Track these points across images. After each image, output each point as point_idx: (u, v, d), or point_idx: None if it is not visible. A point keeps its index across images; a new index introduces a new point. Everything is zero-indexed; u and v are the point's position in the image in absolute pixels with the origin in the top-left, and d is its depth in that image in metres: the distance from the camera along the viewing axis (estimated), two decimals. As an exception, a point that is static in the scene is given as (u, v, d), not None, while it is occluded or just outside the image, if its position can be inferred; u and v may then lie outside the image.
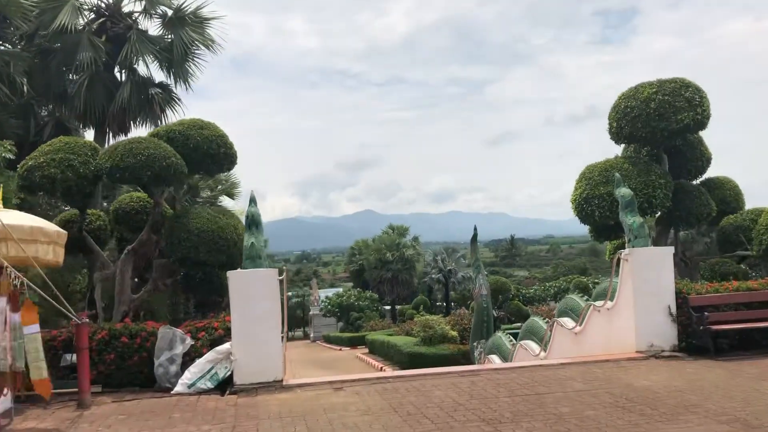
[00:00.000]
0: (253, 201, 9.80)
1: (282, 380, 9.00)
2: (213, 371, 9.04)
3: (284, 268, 10.30)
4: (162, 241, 10.98)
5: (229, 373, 9.02)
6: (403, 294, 59.27)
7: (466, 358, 20.42)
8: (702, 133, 15.28)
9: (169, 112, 19.92)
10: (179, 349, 9.24)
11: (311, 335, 58.95)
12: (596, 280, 49.45)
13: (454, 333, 25.94)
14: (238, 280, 9.04)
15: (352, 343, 40.32)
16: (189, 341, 9.31)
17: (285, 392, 8.60)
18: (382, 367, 26.43)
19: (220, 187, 25.89)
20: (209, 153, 11.42)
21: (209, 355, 9.06)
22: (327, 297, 56.83)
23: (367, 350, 33.54)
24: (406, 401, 7.63)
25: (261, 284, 9.06)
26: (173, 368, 9.17)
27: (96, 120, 19.25)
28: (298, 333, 71.05)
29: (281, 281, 9.37)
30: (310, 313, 60.42)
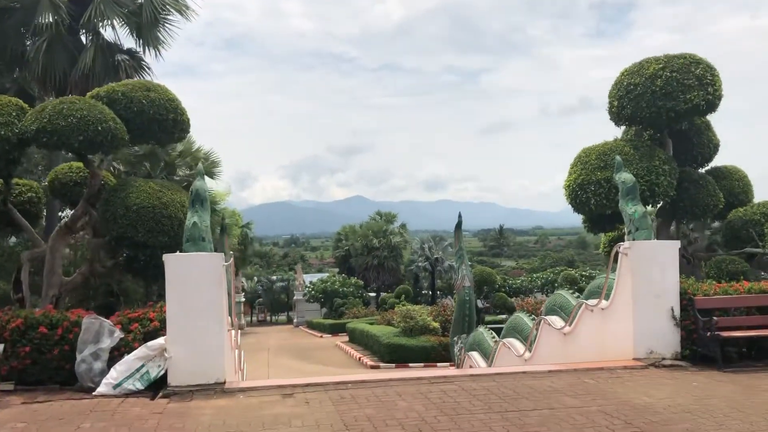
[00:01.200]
0: (200, 174, 8.49)
1: (224, 382, 7.70)
2: (144, 370, 7.71)
3: (231, 253, 8.97)
4: (96, 218, 9.60)
5: (162, 372, 7.71)
6: (388, 281, 58.22)
7: (448, 351, 19.29)
8: (710, 117, 13.94)
9: (137, 80, 18.38)
10: (106, 343, 7.90)
11: (294, 320, 58.10)
12: (584, 273, 48.53)
13: (436, 324, 24.91)
14: (175, 264, 7.71)
15: (334, 330, 39.52)
16: (118, 334, 7.97)
17: (225, 398, 7.30)
18: (360, 358, 25.40)
19: (199, 165, 24.48)
20: (156, 118, 9.98)
21: (139, 352, 7.73)
22: (311, 282, 55.71)
23: (347, 338, 32.61)
24: (362, 415, 6.35)
25: (202, 270, 7.74)
26: (98, 365, 7.83)
27: (57, 86, 17.68)
28: (282, 318, 70.25)
29: (227, 268, 8.07)
30: (295, 298, 59.45)
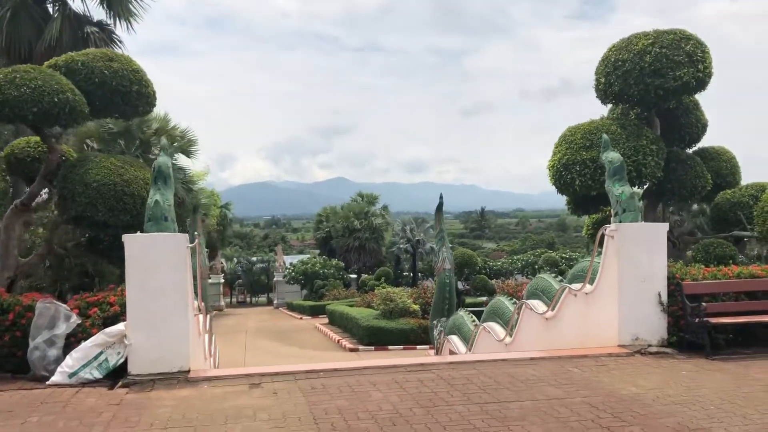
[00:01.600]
0: (164, 150, 7.94)
1: (188, 371, 7.25)
2: (102, 358, 7.22)
3: (196, 234, 8.46)
4: (55, 195, 9.00)
5: (122, 360, 7.23)
6: (369, 263, 57.78)
7: (428, 333, 19.01)
8: (698, 96, 13.54)
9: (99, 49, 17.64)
10: (62, 329, 7.38)
11: (275, 302, 57.63)
12: (564, 255, 48.55)
13: (416, 307, 24.66)
14: (135, 245, 7.20)
15: (314, 312, 39.18)
16: (75, 319, 7.46)
17: (188, 387, 6.84)
18: (339, 340, 25.06)
19: (176, 144, 23.72)
20: (118, 90, 9.36)
21: (97, 338, 7.23)
22: (291, 264, 55.18)
23: (327, 320, 32.28)
24: (333, 407, 5.93)
25: (165, 252, 7.25)
26: (53, 352, 7.32)
27: (22, 58, 16.90)
28: (262, 299, 69.72)
29: (193, 249, 7.57)
30: (275, 279, 58.90)
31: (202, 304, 8.83)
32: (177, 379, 7.07)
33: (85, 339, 7.32)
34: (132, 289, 7.19)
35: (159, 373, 7.14)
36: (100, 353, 7.23)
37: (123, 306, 7.43)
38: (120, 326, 7.27)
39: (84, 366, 7.15)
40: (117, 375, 7.20)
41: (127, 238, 7.21)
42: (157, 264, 7.20)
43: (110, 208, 8.75)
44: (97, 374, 7.16)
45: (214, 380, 7.07)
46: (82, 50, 17.10)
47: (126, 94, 9.50)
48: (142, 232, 7.42)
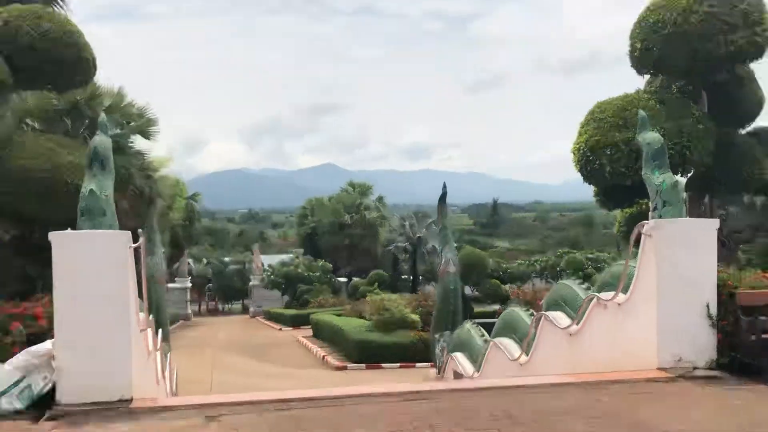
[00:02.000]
0: (102, 127, 7.54)
1: (131, 399, 6.87)
2: (24, 384, 6.85)
3: (139, 231, 8.07)
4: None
5: (49, 386, 6.86)
6: (362, 265, 57.76)
7: (429, 348, 18.75)
8: (754, 65, 13.10)
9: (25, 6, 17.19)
10: (-25, 349, 7.01)
11: (251, 310, 57.62)
12: (590, 255, 48.28)
13: (416, 317, 24.47)
14: (64, 245, 6.81)
15: (296, 323, 39.23)
16: (-9, 337, 7.09)
17: (129, 421, 6.46)
18: (324, 356, 24.84)
19: (133, 123, 23.33)
20: (51, 57, 8.93)
21: (19, 359, 6.86)
22: (270, 266, 55.05)
23: (310, 333, 32.17)
24: (306, 448, 5.56)
25: (101, 253, 6.86)
26: (-35, 377, 6.94)
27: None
28: (237, 306, 69.61)
29: (136, 250, 7.19)
30: (251, 283, 58.78)
31: (151, 317, 8.45)
32: (116, 410, 6.69)
33: (4, 361, 6.97)
34: (61, 299, 6.80)
35: (94, 402, 6.76)
36: (22, 378, 6.85)
37: (52, 320, 7.07)
38: (47, 344, 6.91)
39: (1, 394, 6.78)
40: (44, 405, 6.84)
41: (55, 237, 6.82)
42: (91, 268, 6.81)
43: (41, 200, 8.33)
44: (18, 405, 6.78)
45: (161, 412, 6.70)
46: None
47: (60, 61, 9.03)
48: (74, 229, 7.05)
